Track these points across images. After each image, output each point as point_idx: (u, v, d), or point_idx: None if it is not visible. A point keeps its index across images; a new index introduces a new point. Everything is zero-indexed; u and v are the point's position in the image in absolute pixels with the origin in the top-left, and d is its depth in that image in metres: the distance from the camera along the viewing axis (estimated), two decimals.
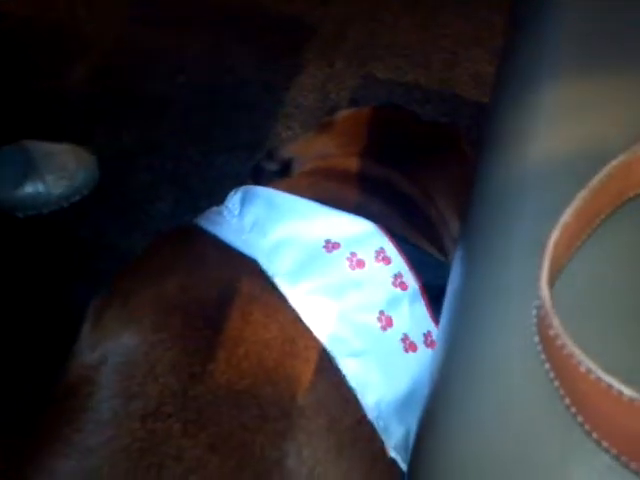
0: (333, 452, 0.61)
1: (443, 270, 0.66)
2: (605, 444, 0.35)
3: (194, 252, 0.69)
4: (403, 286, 0.66)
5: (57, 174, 1.14)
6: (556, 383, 0.37)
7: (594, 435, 0.35)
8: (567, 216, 0.40)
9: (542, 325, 0.37)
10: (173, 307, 0.63)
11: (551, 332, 0.36)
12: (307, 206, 0.70)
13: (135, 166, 1.20)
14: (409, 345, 0.65)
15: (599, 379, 0.33)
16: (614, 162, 0.41)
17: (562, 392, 0.37)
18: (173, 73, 1.32)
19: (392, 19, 1.41)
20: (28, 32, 1.37)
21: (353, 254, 0.67)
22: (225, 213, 0.72)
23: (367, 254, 0.67)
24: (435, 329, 0.66)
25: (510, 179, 0.48)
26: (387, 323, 0.65)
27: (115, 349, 0.62)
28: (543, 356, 0.38)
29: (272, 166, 0.90)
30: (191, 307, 0.63)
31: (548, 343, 0.37)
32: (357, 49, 1.37)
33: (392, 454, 0.63)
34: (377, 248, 0.67)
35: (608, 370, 0.34)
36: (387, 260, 0.67)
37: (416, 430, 0.47)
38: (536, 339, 0.38)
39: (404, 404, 0.64)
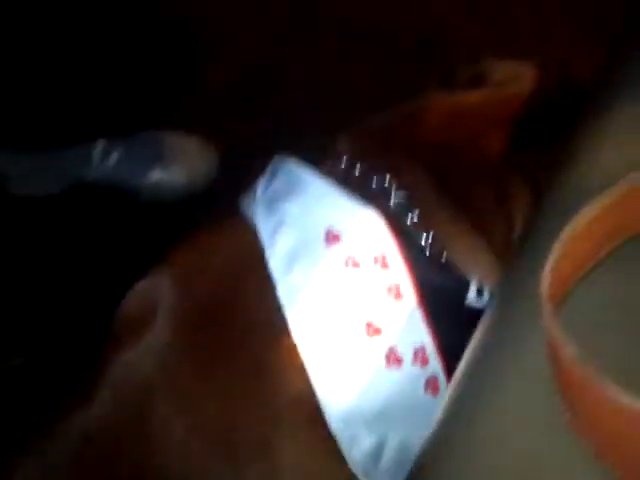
0: (316, 445, 0.62)
1: (453, 282, 0.66)
2: (610, 463, 0.35)
3: (218, 227, 0.72)
4: (398, 296, 0.63)
5: (181, 165, 1.23)
6: (566, 408, 0.38)
7: (604, 459, 0.35)
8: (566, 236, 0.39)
9: (548, 343, 0.37)
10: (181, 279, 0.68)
11: (563, 354, 0.36)
12: (321, 188, 0.68)
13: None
14: (393, 359, 0.63)
15: (617, 398, 0.32)
16: None
17: (571, 416, 0.37)
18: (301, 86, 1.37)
19: None
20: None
21: (350, 253, 0.64)
22: (257, 185, 0.73)
23: (365, 257, 0.64)
24: (431, 343, 0.63)
25: None
26: (374, 332, 0.63)
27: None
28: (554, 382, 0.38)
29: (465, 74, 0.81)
30: (195, 284, 0.68)
31: (560, 366, 0.37)
32: None
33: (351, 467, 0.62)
34: (377, 252, 0.64)
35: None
36: (385, 267, 0.64)
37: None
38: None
39: (378, 416, 0.62)
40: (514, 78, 0.77)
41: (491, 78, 0.77)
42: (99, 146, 1.19)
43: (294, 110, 1.31)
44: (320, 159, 0.73)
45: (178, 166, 1.22)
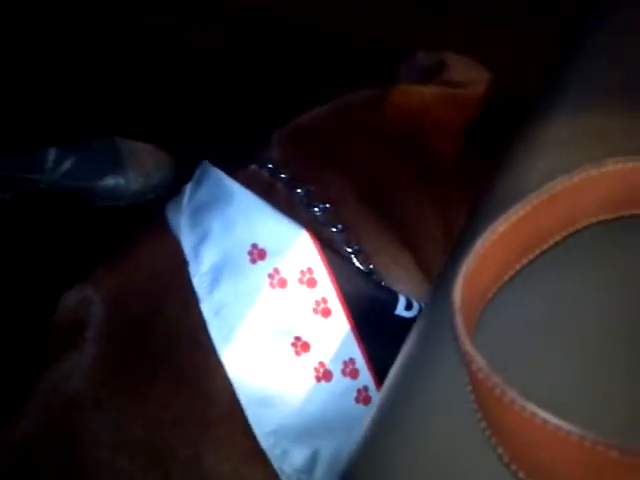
0: (251, 456, 0.62)
1: (381, 293, 0.65)
2: (522, 471, 0.35)
3: (144, 239, 0.72)
4: (326, 312, 0.63)
5: (137, 171, 1.22)
6: (480, 417, 0.38)
7: (513, 467, 0.35)
8: (487, 239, 0.39)
9: (464, 359, 0.38)
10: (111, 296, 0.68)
11: (473, 366, 0.36)
12: (245, 200, 0.67)
13: None
14: (323, 374, 0.63)
15: (522, 407, 0.33)
16: (561, 179, 0.39)
17: (486, 425, 0.37)
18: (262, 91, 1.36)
19: None
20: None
21: (276, 270, 0.63)
22: (184, 191, 0.72)
23: (291, 273, 0.63)
24: (361, 357, 0.63)
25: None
26: (302, 349, 0.63)
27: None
28: (470, 393, 0.38)
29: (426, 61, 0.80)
30: (122, 300, 0.67)
31: (472, 377, 0.37)
32: None
33: None
34: (303, 267, 0.64)
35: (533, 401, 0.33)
36: (312, 282, 0.63)
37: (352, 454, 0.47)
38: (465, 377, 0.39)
39: (310, 429, 0.62)
40: (471, 79, 0.76)
41: (448, 72, 0.76)
42: (52, 153, 1.17)
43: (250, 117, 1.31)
44: (246, 163, 0.73)
45: (134, 173, 1.21)
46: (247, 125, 1.25)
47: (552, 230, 0.41)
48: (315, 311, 0.63)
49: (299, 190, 0.69)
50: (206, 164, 0.73)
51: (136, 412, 0.62)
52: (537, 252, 0.42)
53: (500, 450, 0.36)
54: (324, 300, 0.63)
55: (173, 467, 0.62)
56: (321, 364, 0.63)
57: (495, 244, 0.40)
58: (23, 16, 1.18)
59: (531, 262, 0.42)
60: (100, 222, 1.19)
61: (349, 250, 0.68)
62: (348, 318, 0.64)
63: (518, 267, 0.42)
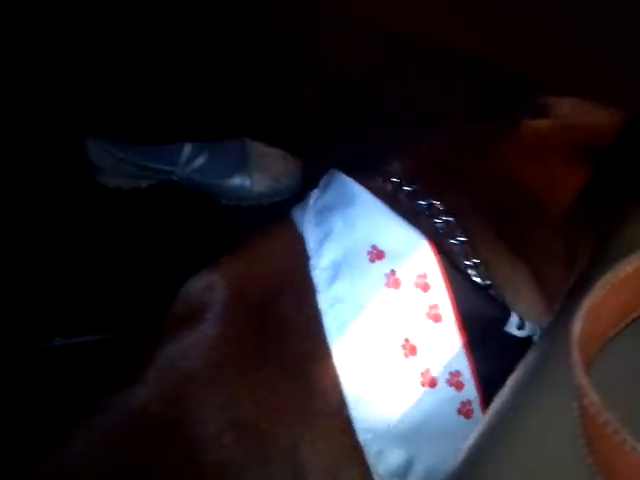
0: (346, 453, 0.63)
1: (495, 309, 0.65)
2: None
3: (270, 234, 0.74)
4: (437, 318, 0.64)
5: (264, 173, 1.25)
6: (587, 452, 0.37)
7: None
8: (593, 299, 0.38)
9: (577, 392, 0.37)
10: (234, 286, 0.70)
11: (585, 400, 0.36)
12: (369, 203, 0.69)
13: None
14: (429, 380, 0.63)
15: (633, 449, 0.33)
16: None
17: (592, 462, 0.36)
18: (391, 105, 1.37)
19: None
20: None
21: (393, 271, 0.65)
22: (311, 195, 0.75)
23: (407, 275, 0.64)
24: (468, 370, 0.63)
25: None
26: (411, 352, 0.63)
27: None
28: (579, 427, 0.38)
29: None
30: (245, 286, 0.70)
31: (583, 411, 0.37)
32: None
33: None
34: (420, 272, 0.65)
35: None
36: (426, 287, 0.64)
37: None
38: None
39: (408, 434, 0.63)
40: (590, 113, 0.75)
41: (555, 111, 0.75)
42: (187, 148, 1.22)
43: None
44: (370, 178, 0.74)
45: (260, 174, 1.25)
46: (376, 134, 1.26)
47: None
48: (426, 315, 0.64)
49: (422, 202, 0.71)
50: (333, 170, 0.76)
51: (246, 394, 0.64)
52: None
53: None
54: (436, 306, 0.64)
55: (272, 453, 0.63)
56: (427, 370, 0.63)
57: (621, 282, 0.39)
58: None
59: None
60: (224, 219, 1.23)
61: (468, 263, 0.68)
62: (460, 329, 0.64)
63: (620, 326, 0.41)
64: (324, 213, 0.71)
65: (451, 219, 0.69)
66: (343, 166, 0.79)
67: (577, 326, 0.37)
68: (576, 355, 0.36)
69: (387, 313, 0.65)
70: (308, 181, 1.24)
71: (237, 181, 1.25)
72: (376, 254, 0.66)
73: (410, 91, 1.37)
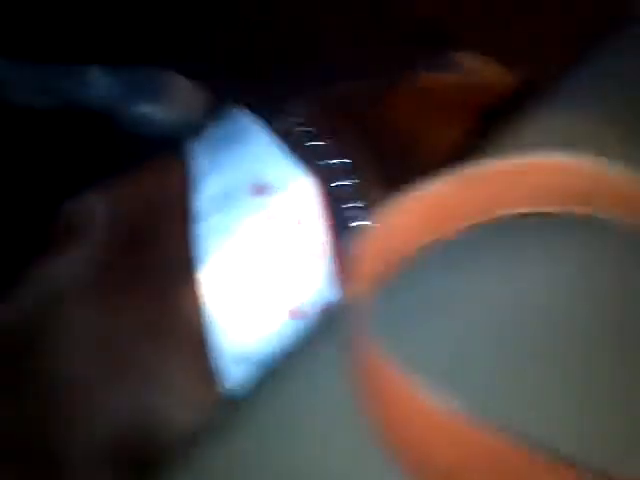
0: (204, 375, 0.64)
1: None
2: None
3: (160, 163, 0.74)
4: (312, 254, 0.65)
5: (172, 104, 1.23)
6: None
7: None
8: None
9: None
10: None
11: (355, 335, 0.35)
12: (259, 139, 0.70)
13: None
14: (297, 313, 0.64)
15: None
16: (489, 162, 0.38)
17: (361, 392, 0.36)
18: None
19: None
20: None
21: (273, 206, 0.66)
22: (206, 127, 0.75)
23: (285, 211, 0.65)
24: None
25: None
26: (280, 283, 0.64)
27: None
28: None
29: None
30: (126, 211, 0.70)
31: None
32: None
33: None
34: (300, 208, 0.66)
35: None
36: (303, 223, 0.66)
37: None
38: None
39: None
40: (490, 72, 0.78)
41: (458, 67, 0.79)
42: (95, 70, 1.19)
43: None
44: (269, 115, 0.75)
45: (168, 105, 1.23)
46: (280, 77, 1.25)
47: (468, 212, 0.40)
48: (301, 250, 0.65)
49: (317, 143, 0.71)
50: (231, 103, 0.76)
51: (111, 314, 0.65)
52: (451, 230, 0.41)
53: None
54: (312, 242, 0.65)
55: (131, 373, 0.64)
56: (296, 303, 0.64)
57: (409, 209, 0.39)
58: None
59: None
60: (124, 146, 1.20)
61: (353, 205, 0.69)
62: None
63: (427, 241, 0.40)
64: (214, 146, 0.72)
65: (344, 160, 0.70)
66: (247, 102, 0.79)
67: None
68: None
69: (259, 244, 0.65)
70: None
71: (143, 109, 1.22)
72: (258, 189, 0.66)
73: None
